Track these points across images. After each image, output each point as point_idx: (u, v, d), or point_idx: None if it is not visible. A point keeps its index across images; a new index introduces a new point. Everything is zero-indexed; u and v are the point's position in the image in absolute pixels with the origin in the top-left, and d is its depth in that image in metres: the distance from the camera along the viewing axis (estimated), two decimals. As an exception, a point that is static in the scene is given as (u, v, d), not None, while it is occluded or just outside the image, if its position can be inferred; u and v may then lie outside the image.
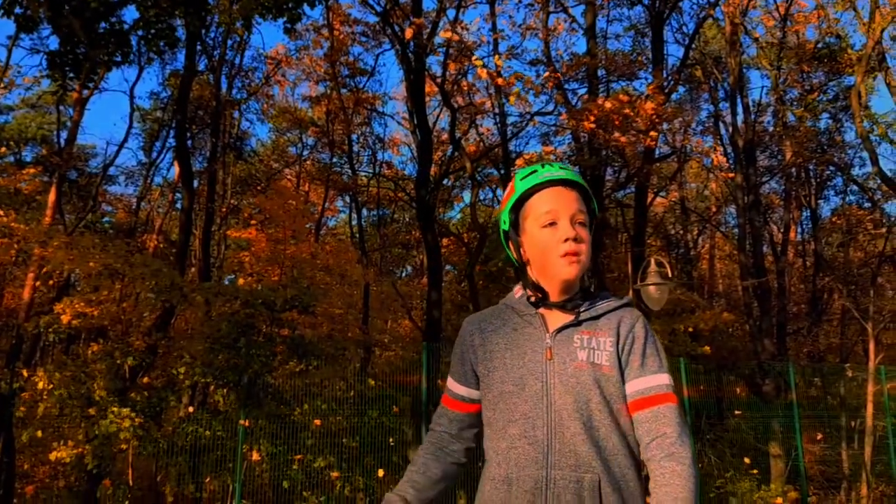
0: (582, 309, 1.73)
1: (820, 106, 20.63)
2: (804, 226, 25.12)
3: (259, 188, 22.78)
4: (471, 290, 15.21)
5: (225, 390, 9.35)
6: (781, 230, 22.88)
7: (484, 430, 1.77)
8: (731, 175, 16.43)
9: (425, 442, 1.89)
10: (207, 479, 8.92)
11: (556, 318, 1.73)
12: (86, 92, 15.78)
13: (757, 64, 20.85)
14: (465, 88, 18.44)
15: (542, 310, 1.75)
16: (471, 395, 1.82)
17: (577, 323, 1.71)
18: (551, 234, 1.71)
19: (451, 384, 1.85)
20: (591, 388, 1.63)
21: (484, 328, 1.80)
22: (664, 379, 1.67)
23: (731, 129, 17.21)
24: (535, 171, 1.77)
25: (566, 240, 1.69)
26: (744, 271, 16.94)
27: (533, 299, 1.74)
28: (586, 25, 15.58)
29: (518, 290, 1.81)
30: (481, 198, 23.74)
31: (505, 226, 1.81)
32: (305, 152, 24.28)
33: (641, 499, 1.66)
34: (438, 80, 14.99)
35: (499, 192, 22.89)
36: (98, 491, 8.88)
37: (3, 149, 19.77)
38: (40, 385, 8.42)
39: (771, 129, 20.63)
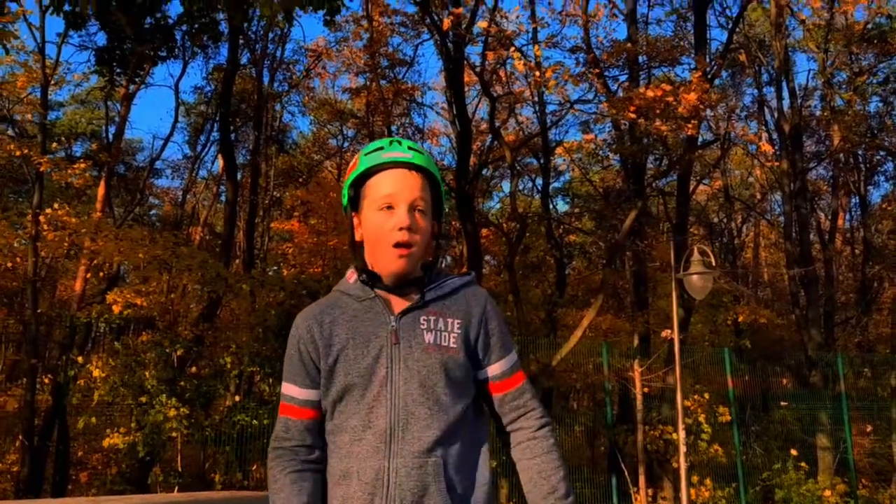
0: (427, 289, 1.65)
1: (869, 89, 20.05)
2: (853, 213, 24.55)
3: (301, 180, 23.03)
4: (511, 281, 15.19)
5: (271, 379, 9.53)
6: (829, 218, 22.35)
7: (326, 426, 1.64)
8: (777, 164, 16.08)
9: (277, 466, 1.63)
10: (255, 467, 9.12)
11: (400, 301, 1.64)
12: (132, 87, 16.12)
13: (803, 47, 20.33)
14: (504, 78, 18.37)
15: (381, 292, 1.64)
16: (318, 396, 1.64)
17: (422, 304, 1.63)
18: (385, 220, 1.60)
19: (293, 390, 1.65)
20: (438, 372, 1.58)
21: (322, 321, 1.64)
22: (515, 355, 1.72)
23: (776, 114, 16.82)
24: (381, 148, 1.64)
25: (400, 228, 1.59)
26: (790, 260, 16.60)
27: (363, 277, 1.65)
28: (627, 10, 15.35)
29: (352, 275, 1.70)
30: (521, 187, 23.69)
31: (345, 200, 1.68)
32: (346, 144, 24.48)
33: (489, 475, 1.64)
34: (477, 70, 14.95)
35: (538, 181, 22.79)
36: (149, 478, 9.15)
37: (55, 144, 20.30)
38: (95, 373, 8.69)
39: (818, 113, 20.14)
